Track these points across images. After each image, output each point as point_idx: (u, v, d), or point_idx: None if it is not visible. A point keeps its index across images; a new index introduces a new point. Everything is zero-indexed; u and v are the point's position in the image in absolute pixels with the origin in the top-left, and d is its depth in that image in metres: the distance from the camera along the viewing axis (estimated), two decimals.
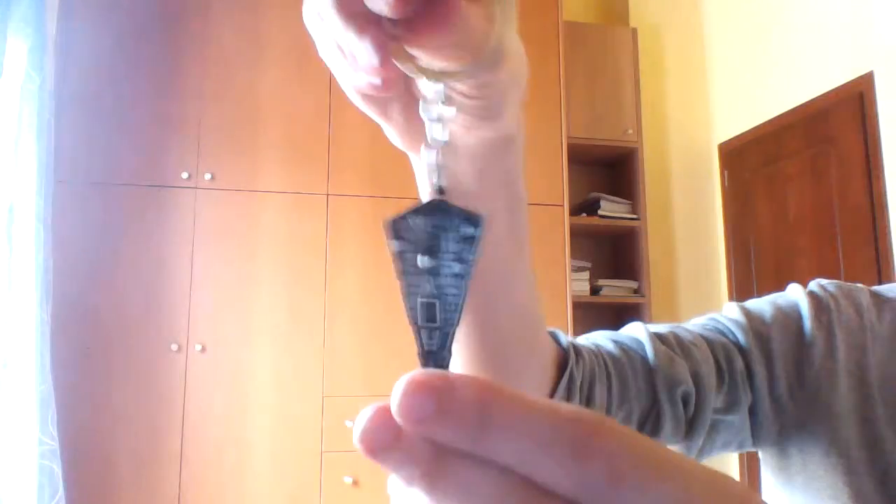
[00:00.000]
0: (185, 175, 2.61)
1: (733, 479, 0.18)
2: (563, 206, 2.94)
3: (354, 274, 2.69)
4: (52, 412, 2.22)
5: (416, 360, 0.23)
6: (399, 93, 0.34)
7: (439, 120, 0.27)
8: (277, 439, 2.54)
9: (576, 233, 3.25)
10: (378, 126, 0.36)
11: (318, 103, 2.75)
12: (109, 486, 2.40)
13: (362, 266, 2.70)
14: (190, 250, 2.58)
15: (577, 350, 0.54)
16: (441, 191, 0.25)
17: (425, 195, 0.39)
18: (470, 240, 0.23)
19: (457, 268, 0.23)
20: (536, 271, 0.47)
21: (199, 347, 2.52)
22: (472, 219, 0.23)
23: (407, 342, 2.63)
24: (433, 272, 0.23)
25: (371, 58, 0.27)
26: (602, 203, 3.38)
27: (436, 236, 0.23)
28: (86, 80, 2.59)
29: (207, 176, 2.63)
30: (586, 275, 3.35)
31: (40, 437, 2.16)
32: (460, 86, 0.31)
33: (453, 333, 0.23)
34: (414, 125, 0.35)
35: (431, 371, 0.18)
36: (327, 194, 2.73)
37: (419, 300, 0.23)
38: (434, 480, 0.18)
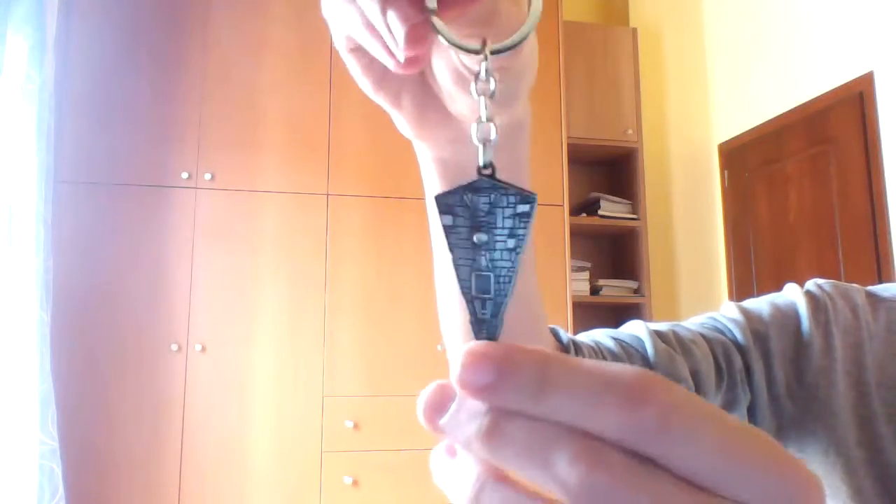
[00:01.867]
0: (185, 175, 2.61)
1: (768, 435, 0.19)
2: (563, 206, 2.95)
3: (354, 274, 2.69)
4: (52, 412, 2.22)
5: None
6: (412, 80, 0.34)
7: (487, 95, 0.27)
8: (277, 439, 2.54)
9: (576, 233, 3.25)
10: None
11: (318, 103, 2.75)
12: (109, 486, 2.40)
13: (362, 266, 2.70)
14: (190, 250, 2.58)
15: (578, 347, 0.54)
16: (491, 167, 0.24)
17: (430, 182, 0.39)
18: (524, 216, 0.23)
19: (510, 242, 0.23)
20: (536, 271, 0.46)
21: (199, 347, 2.52)
22: (527, 196, 0.23)
23: (407, 342, 2.63)
24: (487, 247, 0.23)
25: (398, 31, 0.27)
26: (602, 203, 3.38)
27: (490, 213, 0.23)
28: (86, 80, 2.59)
29: (207, 176, 2.63)
30: (586, 275, 3.35)
31: (40, 437, 2.16)
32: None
33: (507, 303, 0.24)
34: (425, 114, 0.35)
35: (488, 342, 0.20)
36: (327, 194, 2.73)
37: (473, 273, 0.23)
38: (492, 439, 0.19)
